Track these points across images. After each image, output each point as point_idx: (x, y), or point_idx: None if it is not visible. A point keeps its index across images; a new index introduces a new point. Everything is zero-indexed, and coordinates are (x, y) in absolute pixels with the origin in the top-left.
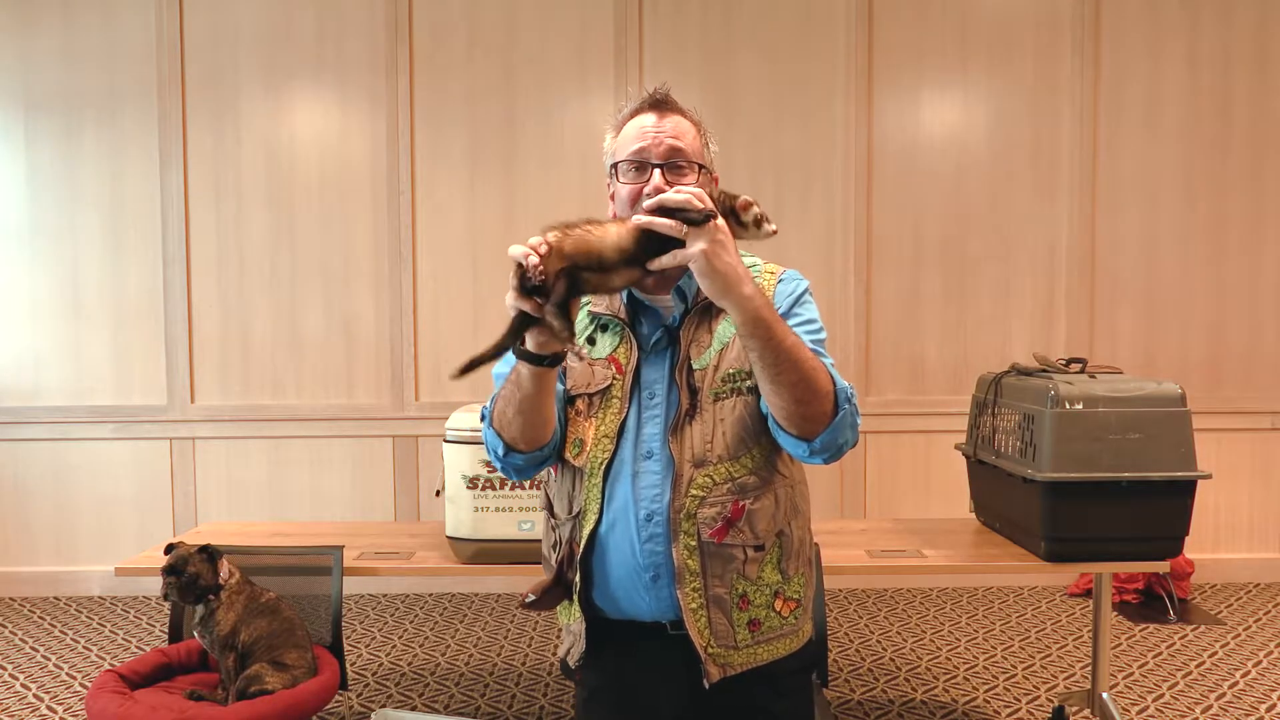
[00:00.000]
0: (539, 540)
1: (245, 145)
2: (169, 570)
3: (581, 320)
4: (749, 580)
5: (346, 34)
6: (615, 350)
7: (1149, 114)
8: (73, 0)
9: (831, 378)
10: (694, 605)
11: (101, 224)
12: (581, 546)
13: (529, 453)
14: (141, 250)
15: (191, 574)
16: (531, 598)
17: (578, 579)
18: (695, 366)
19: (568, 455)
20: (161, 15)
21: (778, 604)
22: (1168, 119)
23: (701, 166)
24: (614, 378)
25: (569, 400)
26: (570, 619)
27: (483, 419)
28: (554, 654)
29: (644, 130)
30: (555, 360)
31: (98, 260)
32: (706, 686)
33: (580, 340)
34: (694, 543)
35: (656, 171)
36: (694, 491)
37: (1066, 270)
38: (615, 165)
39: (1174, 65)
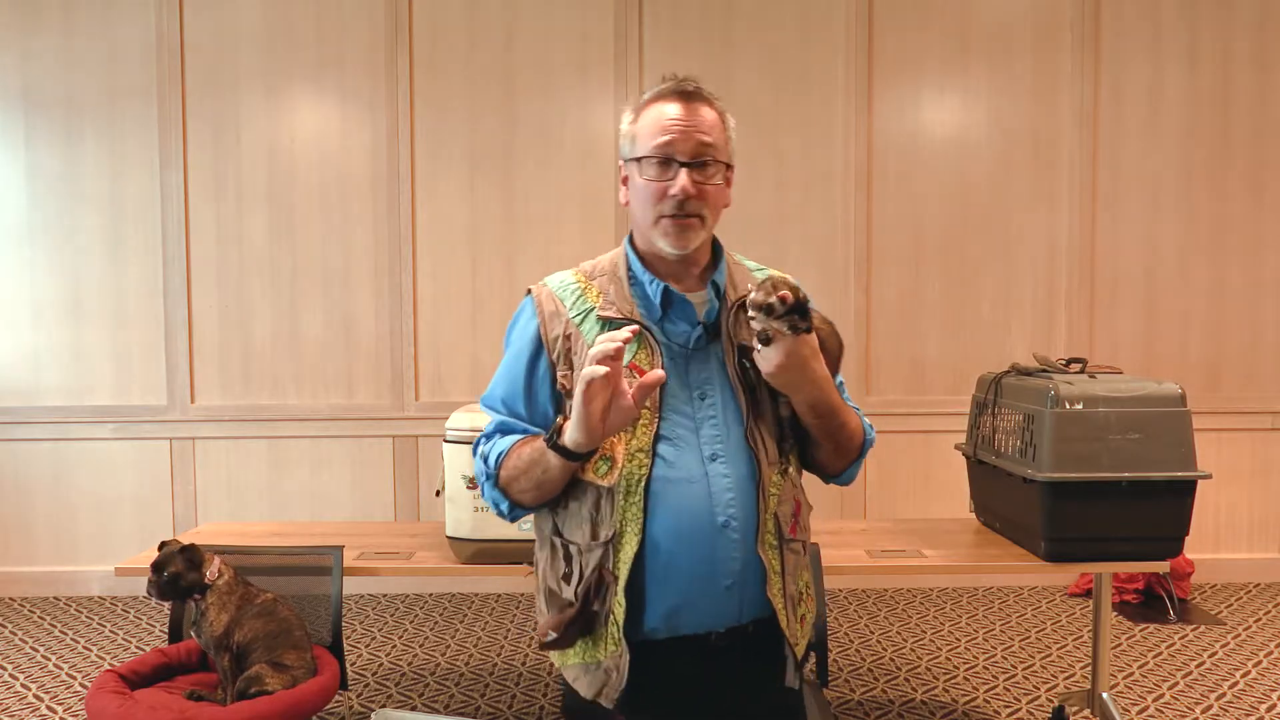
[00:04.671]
0: None
1: (245, 145)
2: (152, 567)
3: (593, 327)
4: (800, 577)
5: (346, 35)
6: (634, 357)
7: (1149, 114)
8: (73, 0)
9: (863, 430)
10: (780, 605)
11: (101, 224)
12: (626, 570)
13: (536, 507)
14: (141, 250)
15: (172, 573)
16: (553, 635)
17: (619, 607)
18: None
19: (590, 475)
20: (161, 15)
21: (807, 600)
22: (1168, 119)
23: (728, 165)
24: None
25: None
26: (601, 655)
27: (487, 476)
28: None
29: (669, 122)
30: (589, 456)
31: (98, 260)
32: (796, 687)
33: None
34: (775, 541)
35: (683, 172)
36: (772, 490)
37: (1066, 270)
38: (638, 160)
39: (1174, 65)
